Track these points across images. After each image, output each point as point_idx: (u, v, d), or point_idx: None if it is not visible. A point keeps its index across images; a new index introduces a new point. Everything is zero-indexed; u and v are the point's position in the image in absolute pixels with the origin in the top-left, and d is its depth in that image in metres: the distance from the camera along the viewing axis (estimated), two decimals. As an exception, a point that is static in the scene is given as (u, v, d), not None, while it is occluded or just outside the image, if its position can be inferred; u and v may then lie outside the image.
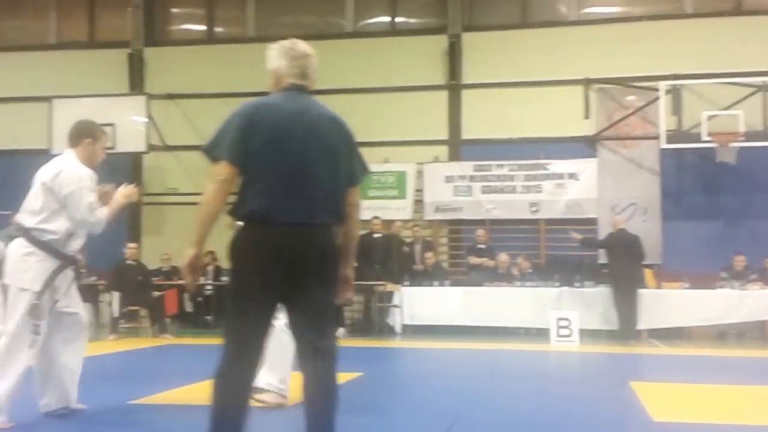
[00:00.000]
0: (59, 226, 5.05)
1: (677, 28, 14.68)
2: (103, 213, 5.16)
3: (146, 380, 6.73)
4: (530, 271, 13.62)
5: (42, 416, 5.22)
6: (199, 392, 5.94)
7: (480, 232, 14.13)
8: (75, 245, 5.20)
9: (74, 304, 5.35)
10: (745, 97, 13.48)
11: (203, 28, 17.03)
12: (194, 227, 3.35)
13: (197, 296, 14.82)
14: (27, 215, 5.09)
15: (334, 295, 3.54)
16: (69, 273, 5.24)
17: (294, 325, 3.44)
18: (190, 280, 3.44)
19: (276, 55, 3.67)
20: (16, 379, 4.91)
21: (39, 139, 14.66)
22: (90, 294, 14.23)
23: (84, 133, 5.34)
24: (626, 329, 12.08)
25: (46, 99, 14.97)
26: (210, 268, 14.78)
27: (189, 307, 15.10)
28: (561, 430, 5.46)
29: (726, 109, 13.51)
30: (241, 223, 3.43)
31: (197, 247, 3.39)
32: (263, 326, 3.39)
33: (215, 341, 6.05)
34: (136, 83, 16.13)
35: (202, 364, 6.00)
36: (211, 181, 3.34)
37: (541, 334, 12.10)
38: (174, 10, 17.24)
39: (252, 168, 3.33)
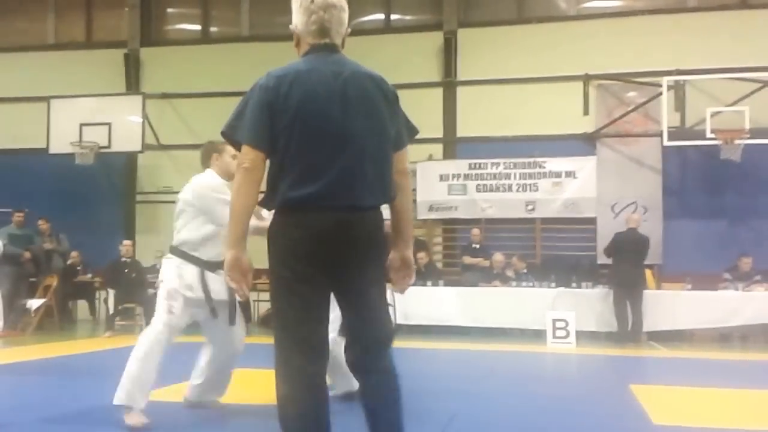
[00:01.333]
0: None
1: (680, 23, 13.97)
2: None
3: None
4: (525, 271, 12.94)
5: (26, 416, 5.03)
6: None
7: (475, 231, 13.53)
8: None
9: None
10: (750, 93, 12.79)
11: (198, 27, 16.76)
12: (228, 227, 2.84)
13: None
14: None
15: (384, 286, 2.99)
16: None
17: (346, 322, 2.96)
18: (238, 287, 2.85)
19: (294, 10, 3.02)
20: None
21: (38, 139, 14.62)
22: (86, 291, 14.17)
23: (210, 151, 5.34)
24: (630, 332, 11.35)
25: (45, 99, 14.83)
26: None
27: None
28: None
29: (730, 105, 12.81)
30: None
31: (235, 247, 2.81)
32: (322, 321, 2.86)
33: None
34: (132, 83, 15.92)
35: (194, 361, 5.82)
36: (236, 170, 2.81)
37: (537, 335, 11.48)
38: (169, 10, 16.99)
39: (282, 149, 2.78)
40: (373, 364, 2.88)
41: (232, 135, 2.87)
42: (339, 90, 2.82)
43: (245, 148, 2.78)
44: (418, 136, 3.14)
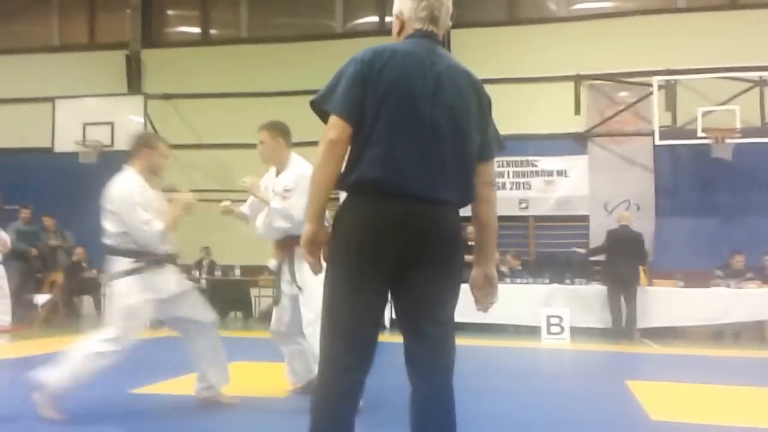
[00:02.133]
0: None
1: (670, 23, 13.77)
2: (157, 228, 5.01)
3: (146, 370, 6.55)
4: (519, 268, 12.79)
5: (32, 408, 4.88)
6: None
7: (469, 228, 13.18)
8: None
9: None
10: (741, 93, 12.65)
11: (198, 30, 16.66)
12: (308, 200, 2.66)
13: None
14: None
15: (455, 294, 2.72)
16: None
17: (408, 329, 2.68)
18: (312, 260, 2.67)
19: None
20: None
21: (44, 138, 14.66)
22: (91, 287, 14.07)
23: (141, 144, 5.19)
24: (624, 328, 11.21)
25: (50, 99, 14.84)
26: (204, 263, 14.38)
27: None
28: (558, 428, 4.99)
29: (721, 104, 12.65)
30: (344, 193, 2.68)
31: (314, 221, 2.64)
32: (377, 321, 2.65)
33: None
34: (134, 84, 15.80)
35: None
36: (320, 142, 2.59)
37: (531, 331, 11.37)
38: (170, 12, 16.90)
39: (368, 126, 2.58)
40: (431, 381, 2.65)
41: (321, 104, 2.68)
42: (433, 79, 2.64)
43: (333, 119, 2.60)
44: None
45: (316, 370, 5.27)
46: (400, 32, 2.84)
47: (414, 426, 2.64)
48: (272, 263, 5.65)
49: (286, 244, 5.25)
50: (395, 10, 2.86)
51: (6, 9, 16.92)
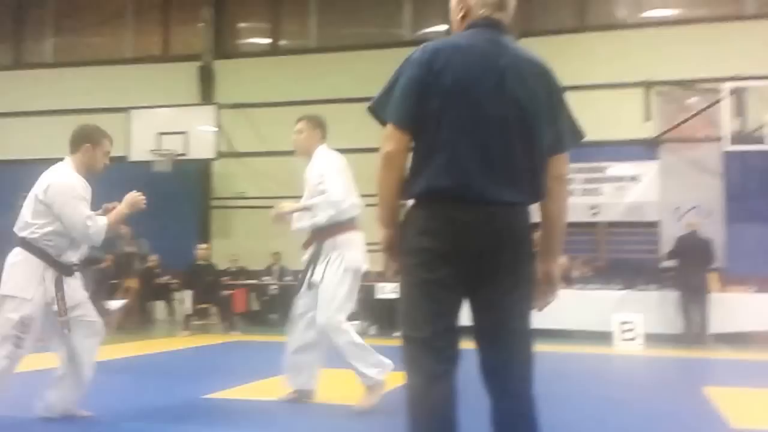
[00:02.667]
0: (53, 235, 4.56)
1: (739, 30, 13.77)
2: (102, 223, 4.55)
3: (218, 375, 6.61)
4: (590, 274, 12.87)
5: (109, 413, 4.99)
6: (270, 388, 6.03)
7: (539, 235, 13.36)
8: (72, 255, 4.67)
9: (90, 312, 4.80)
10: None
11: (268, 41, 17.03)
12: (378, 210, 2.58)
13: (263, 295, 14.69)
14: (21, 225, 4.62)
15: (530, 300, 2.60)
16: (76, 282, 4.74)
17: (483, 337, 2.57)
18: (390, 267, 2.62)
19: None
20: None
21: (119, 148, 14.66)
22: (164, 292, 14.52)
23: (83, 139, 4.75)
24: (696, 334, 11.26)
25: (125, 110, 15.14)
26: (275, 268, 14.65)
27: (255, 305, 15.09)
28: None
29: (791, 110, 12.55)
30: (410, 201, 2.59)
31: (388, 227, 2.57)
32: (456, 327, 2.53)
33: (279, 338, 5.88)
34: (207, 94, 16.18)
35: (270, 360, 5.96)
36: (379, 153, 2.49)
37: (602, 337, 11.37)
38: (241, 24, 17.30)
39: (431, 132, 2.45)
40: (511, 392, 2.56)
41: (378, 110, 2.57)
42: (498, 74, 2.47)
43: (390, 129, 2.49)
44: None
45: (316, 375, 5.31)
46: (463, 18, 2.64)
47: None
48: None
49: (324, 233, 5.24)
50: None
51: (82, 22, 17.48)
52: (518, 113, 2.49)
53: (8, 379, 4.40)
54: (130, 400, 5.73)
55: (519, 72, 2.51)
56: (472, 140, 2.45)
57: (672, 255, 12.04)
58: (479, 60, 2.48)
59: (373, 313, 12.68)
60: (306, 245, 5.38)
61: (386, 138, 2.49)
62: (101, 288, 13.07)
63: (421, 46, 2.53)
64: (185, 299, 12.91)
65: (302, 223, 5.19)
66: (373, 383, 5.16)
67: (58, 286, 4.49)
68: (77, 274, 4.76)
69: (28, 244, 4.51)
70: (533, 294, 2.62)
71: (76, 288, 4.69)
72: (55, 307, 4.48)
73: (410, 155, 2.56)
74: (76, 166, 4.70)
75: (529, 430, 2.54)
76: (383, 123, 2.54)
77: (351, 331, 5.25)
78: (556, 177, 2.62)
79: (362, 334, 12.06)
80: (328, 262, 5.16)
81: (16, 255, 4.53)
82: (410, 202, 2.59)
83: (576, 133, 2.72)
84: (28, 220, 4.56)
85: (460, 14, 2.64)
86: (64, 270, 4.56)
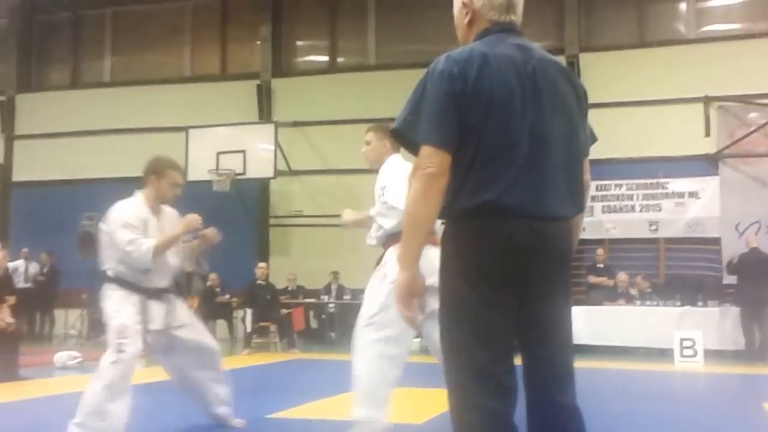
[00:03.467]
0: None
1: (800, 44, 13.85)
2: (146, 246, 4.76)
3: (281, 394, 6.68)
4: (649, 290, 12.98)
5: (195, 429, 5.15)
6: (333, 407, 6.07)
7: (599, 251, 13.60)
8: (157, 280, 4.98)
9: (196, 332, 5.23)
10: None
11: (326, 58, 17.26)
12: (402, 242, 2.37)
13: (321, 314, 14.96)
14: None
15: (570, 309, 2.50)
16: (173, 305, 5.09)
17: (529, 365, 2.44)
18: (411, 316, 2.37)
19: None
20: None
21: None
22: (224, 311, 14.81)
23: (148, 171, 5.03)
24: (758, 350, 11.31)
25: (183, 129, 15.36)
26: (333, 287, 14.91)
27: (314, 324, 15.29)
28: None
29: None
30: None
31: (410, 268, 2.34)
32: (509, 346, 2.37)
33: (339, 357, 5.95)
34: (265, 112, 16.39)
35: (331, 378, 6.15)
36: (413, 176, 2.32)
37: (662, 354, 11.50)
38: (299, 42, 17.54)
39: (472, 147, 2.28)
40: (559, 401, 2.40)
41: (408, 134, 2.36)
42: (529, 81, 2.35)
43: (428, 149, 2.28)
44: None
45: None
46: (470, 23, 2.51)
47: None
48: None
49: (387, 242, 4.65)
50: (459, 3, 2.54)
51: (141, 42, 17.92)
52: (559, 119, 2.39)
53: (125, 390, 4.64)
54: (195, 420, 5.70)
55: (548, 76, 2.39)
56: (513, 153, 2.31)
57: (733, 270, 12.12)
58: (511, 68, 2.34)
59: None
60: (378, 262, 4.92)
61: (426, 158, 2.28)
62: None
63: (443, 57, 2.36)
64: (246, 317, 13.10)
65: (370, 238, 4.79)
66: (358, 425, 4.44)
67: (141, 309, 4.79)
68: (171, 297, 5.05)
69: (107, 277, 4.85)
70: (571, 308, 2.54)
71: (174, 310, 5.02)
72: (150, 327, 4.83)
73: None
74: (146, 198, 4.98)
75: None
76: (413, 146, 2.35)
77: (371, 350, 4.42)
78: (584, 183, 2.53)
79: (423, 351, 12.37)
80: (379, 274, 4.62)
81: (104, 290, 4.88)
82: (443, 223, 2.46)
83: (592, 135, 2.63)
84: (103, 253, 4.88)
85: (466, 19, 2.52)
86: (149, 294, 4.86)
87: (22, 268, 15.58)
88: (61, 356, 9.63)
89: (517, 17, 2.49)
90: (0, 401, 6.63)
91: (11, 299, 8.80)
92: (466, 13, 2.50)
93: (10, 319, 8.13)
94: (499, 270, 2.30)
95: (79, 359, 9.68)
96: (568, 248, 2.46)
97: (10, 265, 13.68)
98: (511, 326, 2.35)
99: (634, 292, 13.00)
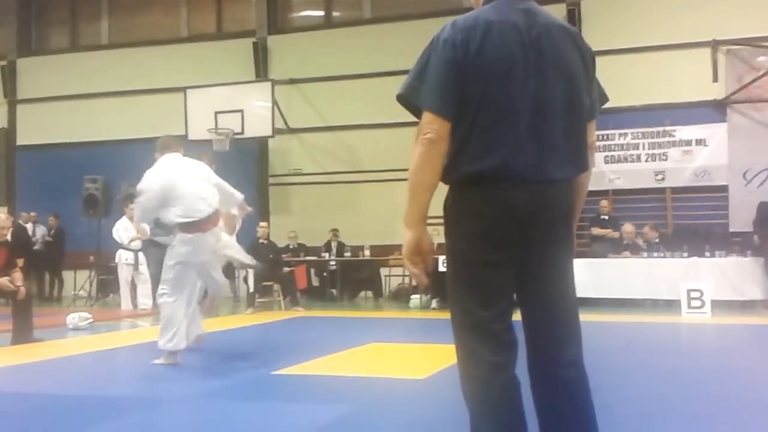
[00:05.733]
0: None
1: (810, -16, 13.25)
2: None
3: (285, 351, 6.74)
4: (657, 240, 12.60)
5: (181, 391, 5.29)
6: (337, 363, 6.32)
7: (603, 202, 13.23)
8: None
9: None
10: None
11: (321, 13, 16.94)
12: (407, 204, 2.41)
13: (323, 271, 14.84)
14: None
15: (572, 267, 2.53)
16: None
17: (529, 310, 2.49)
18: (417, 272, 2.44)
19: None
20: None
21: (177, 127, 14.95)
22: (226, 271, 14.56)
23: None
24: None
25: (181, 89, 15.29)
26: (333, 245, 14.74)
27: (315, 281, 15.21)
28: (717, 406, 4.70)
29: None
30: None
31: (416, 227, 2.40)
32: (507, 304, 2.45)
33: (341, 313, 6.02)
34: (261, 70, 16.18)
35: (335, 335, 6.49)
36: (416, 141, 2.36)
37: (669, 305, 11.23)
38: None
39: (471, 113, 2.34)
40: (558, 360, 2.44)
41: (411, 99, 2.40)
42: (533, 46, 2.37)
43: (428, 116, 2.33)
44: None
45: None
46: None
47: (545, 412, 2.47)
48: None
49: None
50: None
51: (136, 3, 17.72)
52: (558, 85, 2.40)
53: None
54: (200, 378, 5.93)
55: (553, 41, 2.41)
56: (513, 119, 2.35)
57: (756, 223, 11.78)
58: (514, 34, 2.37)
59: (434, 286, 12.67)
60: None
61: (426, 125, 2.34)
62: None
63: (448, 24, 2.38)
64: (248, 277, 13.02)
65: None
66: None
67: None
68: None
69: None
70: (573, 265, 2.56)
71: None
72: None
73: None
74: None
75: (586, 395, 2.47)
76: (417, 111, 2.39)
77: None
78: (589, 145, 2.54)
79: (424, 307, 12.25)
80: None
81: None
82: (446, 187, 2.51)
83: (603, 96, 2.62)
84: None
85: None
86: None
87: (30, 231, 15.66)
88: (73, 317, 9.70)
89: None
90: (17, 363, 6.76)
91: (20, 261, 8.82)
92: None
93: (19, 283, 8.14)
94: (500, 233, 2.37)
95: (91, 320, 9.79)
96: (570, 208, 2.49)
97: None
98: (511, 286, 2.44)
99: (641, 242, 12.64)
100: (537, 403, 2.47)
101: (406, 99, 2.41)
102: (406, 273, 14.45)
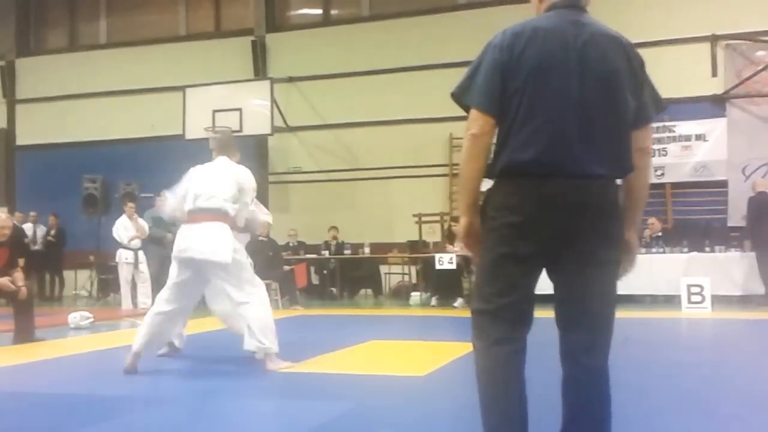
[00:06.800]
0: None
1: (809, -22, 13.23)
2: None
3: (287, 350, 6.53)
4: (660, 234, 12.61)
5: (184, 388, 5.28)
6: (339, 361, 6.35)
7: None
8: None
9: None
10: None
11: (319, 11, 16.95)
12: (460, 196, 2.70)
13: (323, 269, 14.82)
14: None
15: (617, 267, 2.63)
16: None
17: (564, 305, 2.64)
18: (474, 252, 2.71)
19: None
20: None
21: (175, 126, 15.08)
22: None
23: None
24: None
25: (180, 88, 15.24)
26: (333, 243, 14.73)
27: (315, 280, 15.17)
28: (718, 399, 4.76)
29: None
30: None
31: (468, 214, 2.66)
32: (527, 299, 2.63)
33: (341, 312, 5.99)
34: (260, 68, 16.17)
35: (335, 333, 6.45)
36: (465, 136, 2.60)
37: (669, 301, 11.28)
38: None
39: (513, 111, 2.54)
40: (583, 357, 2.60)
41: (461, 97, 2.64)
42: (577, 53, 2.54)
43: (474, 113, 2.57)
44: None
45: None
46: (541, 0, 2.73)
47: (568, 408, 2.63)
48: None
49: None
50: None
51: (135, 2, 17.74)
52: (600, 88, 2.55)
53: None
54: (201, 377, 5.92)
55: (599, 48, 2.57)
56: (552, 116, 2.52)
57: (748, 219, 11.72)
58: (559, 41, 2.55)
59: (433, 284, 12.71)
60: None
61: (471, 121, 2.57)
62: (165, 265, 13.35)
63: (501, 31, 2.60)
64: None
65: None
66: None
67: None
68: None
69: None
70: (619, 264, 2.66)
71: None
72: None
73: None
74: None
75: (602, 404, 2.61)
76: (467, 109, 2.61)
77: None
78: (640, 149, 2.66)
79: (424, 304, 12.27)
80: None
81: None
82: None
83: (658, 102, 2.75)
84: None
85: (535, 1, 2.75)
86: None
87: (31, 231, 15.68)
88: (75, 317, 9.73)
89: None
90: (19, 362, 6.75)
91: (20, 261, 8.80)
92: None
93: (21, 283, 8.12)
94: (528, 225, 2.52)
95: (92, 319, 9.81)
96: (611, 207, 2.57)
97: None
98: (534, 279, 2.62)
99: (647, 234, 12.63)
100: (562, 390, 2.65)
101: (457, 97, 2.65)
102: (406, 271, 14.54)
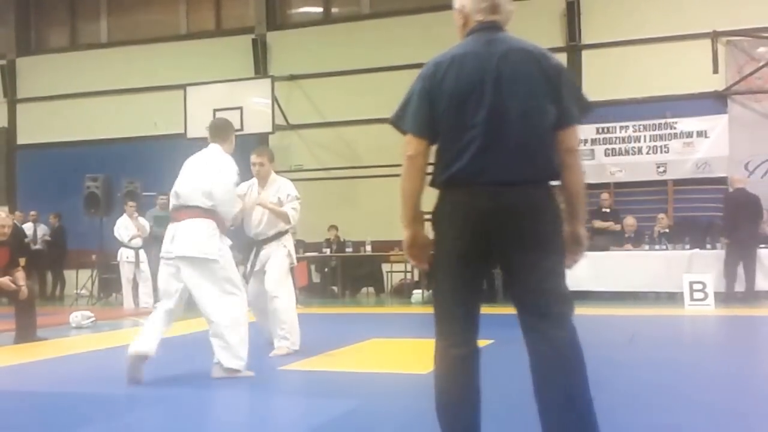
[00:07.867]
0: None
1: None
2: None
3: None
4: (667, 230, 12.60)
5: (192, 384, 5.36)
6: (341, 359, 6.42)
7: (604, 195, 13.21)
8: None
9: None
10: None
11: (320, 9, 16.94)
12: (401, 210, 2.89)
13: (323, 268, 14.79)
14: None
15: (557, 258, 2.78)
16: None
17: (515, 298, 2.82)
18: (417, 262, 2.97)
19: None
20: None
21: (176, 125, 15.07)
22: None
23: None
24: (744, 291, 11.04)
25: (180, 87, 15.22)
26: (334, 241, 14.78)
27: (316, 278, 15.16)
28: (722, 397, 4.68)
29: None
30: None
31: (410, 227, 2.90)
32: (474, 299, 2.85)
33: (342, 310, 5.99)
34: (261, 67, 16.15)
35: (337, 331, 6.53)
36: (402, 158, 2.87)
37: (671, 298, 11.25)
38: None
39: (443, 131, 2.81)
40: (540, 326, 2.73)
41: (397, 123, 2.91)
42: (492, 70, 2.75)
43: (408, 137, 2.83)
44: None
45: None
46: (464, 26, 2.91)
47: (534, 381, 2.73)
48: None
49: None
50: (457, 5, 2.93)
51: (135, 1, 17.73)
52: (516, 100, 2.74)
53: None
54: (204, 374, 5.81)
55: (510, 62, 2.77)
56: (474, 132, 2.74)
57: (726, 211, 11.86)
58: (475, 62, 2.77)
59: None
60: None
61: (407, 144, 2.84)
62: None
63: (430, 61, 2.85)
64: (247, 273, 13.02)
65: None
66: None
67: None
68: None
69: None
70: (562, 255, 2.82)
71: None
72: None
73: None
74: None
75: (569, 368, 2.70)
76: (404, 133, 2.86)
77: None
78: (568, 150, 2.81)
79: (426, 302, 12.22)
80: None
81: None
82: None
83: (583, 105, 2.88)
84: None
85: (461, 23, 2.93)
86: None
87: (31, 231, 15.66)
88: (76, 316, 9.76)
89: (502, 15, 2.86)
90: (21, 362, 6.76)
91: (22, 261, 8.88)
92: (461, 17, 2.93)
93: (22, 282, 8.12)
94: (467, 231, 2.76)
95: (93, 318, 9.83)
96: (543, 209, 2.75)
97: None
98: (481, 278, 2.90)
99: (656, 229, 12.66)
100: (531, 370, 2.74)
101: (394, 124, 2.93)
102: (408, 269, 14.51)
